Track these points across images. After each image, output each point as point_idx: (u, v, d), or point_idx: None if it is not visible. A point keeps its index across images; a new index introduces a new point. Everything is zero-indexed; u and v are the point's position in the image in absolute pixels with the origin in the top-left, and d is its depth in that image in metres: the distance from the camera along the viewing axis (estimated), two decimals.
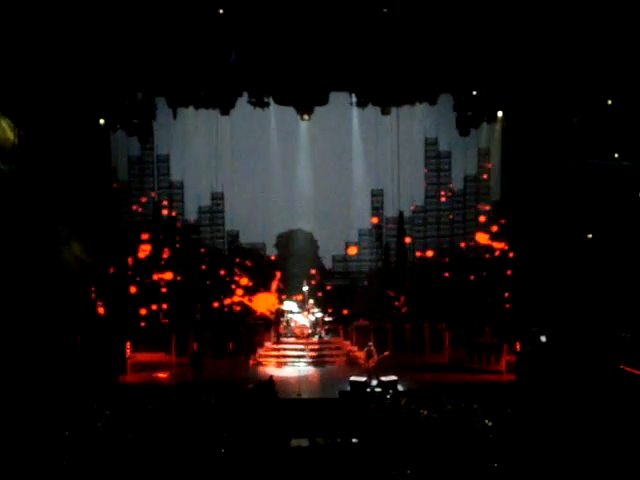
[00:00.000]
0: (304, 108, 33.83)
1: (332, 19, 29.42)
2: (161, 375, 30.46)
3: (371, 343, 29.98)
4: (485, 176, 35.29)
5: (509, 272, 34.20)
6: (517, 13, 28.95)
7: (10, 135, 31.18)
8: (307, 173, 35.84)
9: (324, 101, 33.17)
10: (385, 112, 34.38)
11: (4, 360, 28.09)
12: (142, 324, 34.05)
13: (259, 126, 34.93)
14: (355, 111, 34.84)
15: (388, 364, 29.09)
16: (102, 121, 33.03)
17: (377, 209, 36.11)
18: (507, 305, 33.72)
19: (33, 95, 30.63)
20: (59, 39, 29.22)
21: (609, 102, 31.07)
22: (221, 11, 29.64)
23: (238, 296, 35.27)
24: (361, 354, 31.53)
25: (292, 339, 33.74)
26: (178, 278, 34.86)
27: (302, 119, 34.37)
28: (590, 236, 33.29)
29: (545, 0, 28.52)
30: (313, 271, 35.77)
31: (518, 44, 29.76)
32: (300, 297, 34.63)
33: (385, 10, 29.57)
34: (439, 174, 35.68)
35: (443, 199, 35.66)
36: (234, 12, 29.63)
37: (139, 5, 28.95)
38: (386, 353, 29.26)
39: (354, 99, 34.17)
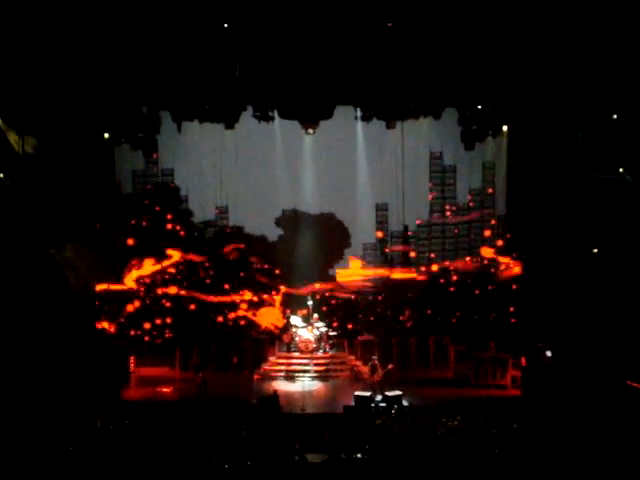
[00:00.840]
0: (309, 122, 33.90)
1: (337, 33, 29.50)
2: (165, 390, 30.36)
3: (375, 357, 29.84)
4: (490, 190, 35.20)
5: (514, 287, 34.11)
6: (522, 28, 29.03)
7: (15, 147, 31.35)
8: (311, 187, 35.79)
9: (329, 115, 33.21)
10: (390, 126, 34.40)
11: (8, 374, 28.13)
12: (146, 339, 33.84)
13: (264, 140, 34.87)
14: (360, 125, 34.78)
15: (393, 378, 28.97)
16: (107, 135, 33.12)
17: (382, 223, 35.97)
18: (512, 320, 33.62)
19: (39, 109, 30.80)
20: (65, 54, 29.34)
21: (614, 116, 31.09)
22: (226, 25, 29.72)
23: (242, 310, 35.11)
24: (365, 369, 31.46)
25: (296, 354, 33.64)
26: (182, 292, 34.71)
27: (307, 133, 34.44)
28: (595, 250, 33.26)
29: (550, 15, 28.53)
30: (317, 285, 35.61)
31: (523, 58, 29.82)
32: (304, 311, 34.49)
33: (390, 25, 29.65)
34: (444, 188, 35.56)
35: (448, 213, 35.54)
36: (239, 26, 29.73)
37: (145, 20, 29.05)
38: (390, 366, 29.14)
39: (359, 113, 34.19)
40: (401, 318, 34.97)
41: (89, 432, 22.49)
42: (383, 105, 33.11)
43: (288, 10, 29.14)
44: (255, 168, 35.33)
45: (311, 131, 34.37)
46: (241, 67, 30.75)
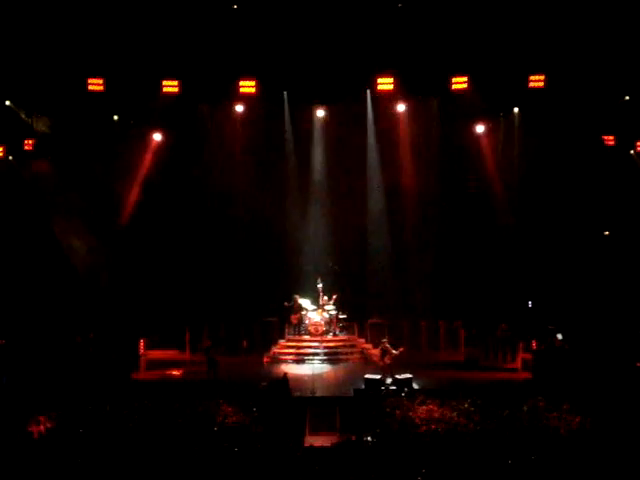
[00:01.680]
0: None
1: (347, 15, 29.42)
2: (175, 372, 30.34)
3: (385, 340, 29.69)
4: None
5: None
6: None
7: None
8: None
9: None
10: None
11: (18, 358, 28.19)
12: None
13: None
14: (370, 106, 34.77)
15: (403, 361, 28.90)
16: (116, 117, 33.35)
17: None
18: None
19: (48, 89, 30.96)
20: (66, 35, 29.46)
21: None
22: (235, 6, 29.75)
23: None
24: (376, 352, 31.40)
25: (306, 337, 33.59)
26: None
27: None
28: (607, 233, 33.20)
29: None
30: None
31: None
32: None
33: (400, 5, 29.57)
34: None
35: None
36: (249, 8, 29.77)
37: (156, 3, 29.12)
38: (400, 349, 29.06)
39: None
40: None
41: (99, 415, 22.53)
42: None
43: None
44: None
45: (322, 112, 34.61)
46: (249, 49, 30.69)
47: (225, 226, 35.68)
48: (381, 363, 28.62)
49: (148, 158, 34.85)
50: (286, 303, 34.26)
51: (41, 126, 32.51)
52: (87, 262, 33.68)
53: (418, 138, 34.91)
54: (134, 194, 34.82)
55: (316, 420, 24.41)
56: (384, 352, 28.64)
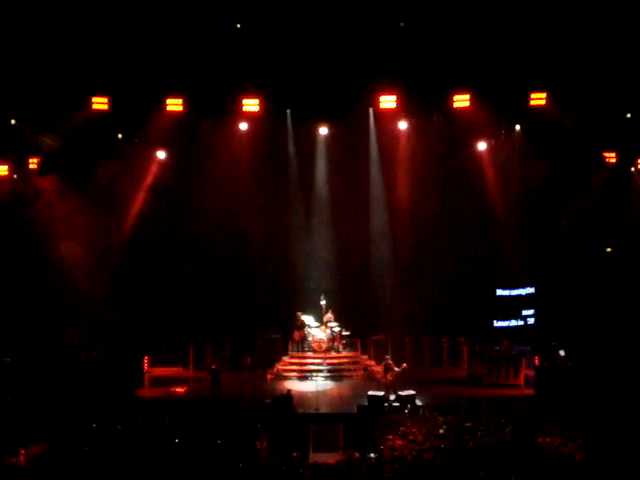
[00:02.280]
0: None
1: (350, 33, 29.59)
2: (179, 390, 30.40)
3: (388, 356, 29.79)
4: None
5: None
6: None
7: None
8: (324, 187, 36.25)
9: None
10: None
11: (22, 376, 28.28)
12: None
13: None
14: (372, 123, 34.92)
15: (406, 378, 28.96)
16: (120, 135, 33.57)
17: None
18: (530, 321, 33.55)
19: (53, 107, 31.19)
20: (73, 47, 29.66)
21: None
22: (238, 26, 29.90)
23: None
24: (379, 368, 31.49)
25: (310, 353, 33.66)
26: None
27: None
28: (609, 250, 33.28)
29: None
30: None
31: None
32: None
33: (402, 24, 29.75)
34: None
35: None
36: (251, 26, 29.93)
37: (157, 20, 29.28)
38: (404, 366, 29.12)
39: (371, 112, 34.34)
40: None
41: (103, 433, 22.58)
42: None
43: (299, 9, 29.30)
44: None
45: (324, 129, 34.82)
46: (253, 67, 30.85)
47: (228, 243, 35.70)
48: (384, 380, 28.70)
49: (152, 175, 34.95)
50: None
51: (46, 144, 32.61)
52: (90, 279, 33.68)
53: (420, 155, 34.90)
54: (138, 210, 34.85)
55: (320, 437, 24.48)
56: (387, 369, 28.73)
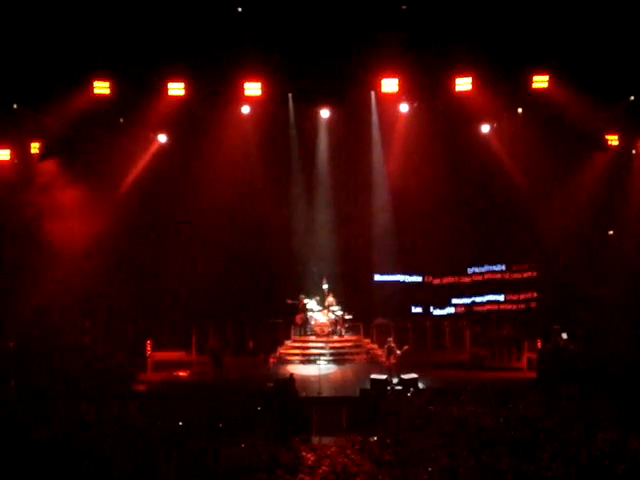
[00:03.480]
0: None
1: (353, 16, 29.53)
2: (182, 373, 30.48)
3: (391, 339, 29.82)
4: None
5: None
6: None
7: None
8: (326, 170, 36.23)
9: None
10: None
11: (26, 359, 28.37)
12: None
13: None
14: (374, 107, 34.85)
15: (408, 361, 28.99)
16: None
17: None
18: (532, 304, 33.57)
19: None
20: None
21: None
22: (240, 9, 29.86)
23: None
24: (381, 352, 31.57)
25: (312, 337, 33.70)
26: None
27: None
28: (611, 233, 33.27)
29: None
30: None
31: None
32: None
33: (404, 7, 29.67)
34: None
35: None
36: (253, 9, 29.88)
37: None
38: (406, 347, 29.16)
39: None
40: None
41: (106, 416, 22.62)
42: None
43: None
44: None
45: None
46: (255, 51, 30.76)
47: (230, 227, 35.66)
48: (387, 363, 28.74)
49: (153, 159, 34.93)
50: (289, 300, 34.31)
51: (48, 129, 32.59)
52: (93, 262, 33.64)
53: (422, 138, 34.77)
54: (139, 193, 34.80)
55: (322, 420, 24.52)
56: (389, 351, 28.77)
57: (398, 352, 28.74)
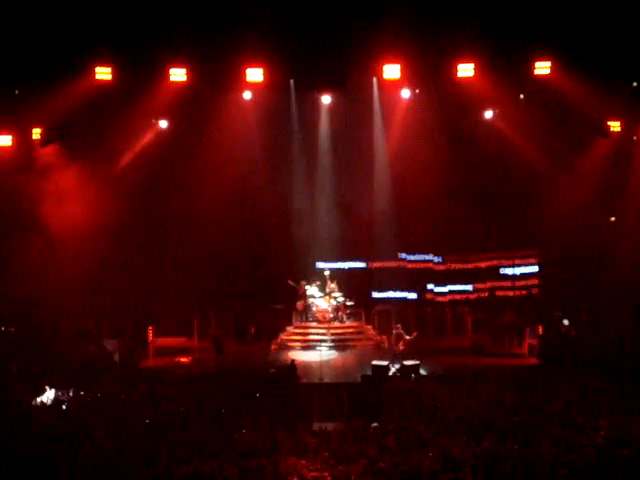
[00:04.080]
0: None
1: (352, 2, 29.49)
2: (183, 360, 30.53)
3: (399, 325, 29.80)
4: None
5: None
6: None
7: None
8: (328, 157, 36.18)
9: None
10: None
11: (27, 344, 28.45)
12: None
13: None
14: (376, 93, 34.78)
15: (413, 348, 29.04)
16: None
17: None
18: (534, 290, 33.62)
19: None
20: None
21: None
22: None
23: None
24: (382, 338, 31.67)
25: (314, 324, 33.73)
26: None
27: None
28: (613, 219, 33.24)
29: None
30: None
31: None
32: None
33: None
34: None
35: None
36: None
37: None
38: (414, 334, 29.21)
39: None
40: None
41: (107, 401, 22.68)
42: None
43: None
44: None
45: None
46: (256, 36, 30.68)
47: (232, 213, 35.63)
48: (395, 349, 28.74)
49: (154, 144, 34.90)
50: (290, 282, 34.32)
51: (49, 115, 32.53)
52: (94, 246, 33.61)
53: (424, 124, 34.68)
54: (141, 177, 34.75)
55: (324, 406, 24.55)
56: (398, 337, 28.76)
57: (407, 338, 28.77)
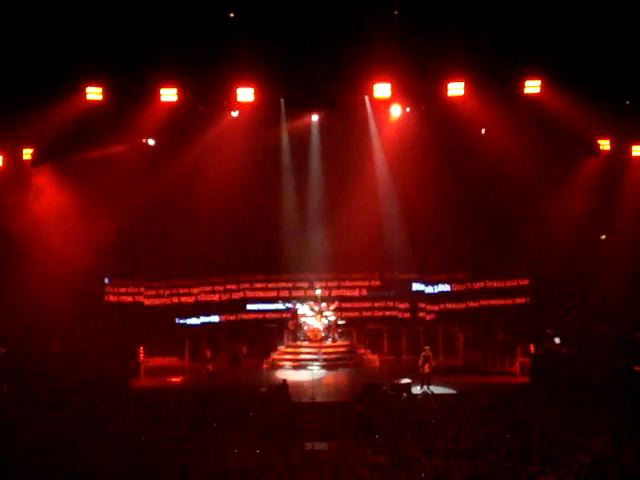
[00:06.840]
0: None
1: (345, 21, 29.56)
2: (174, 380, 30.47)
3: (428, 347, 29.54)
4: None
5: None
6: None
7: None
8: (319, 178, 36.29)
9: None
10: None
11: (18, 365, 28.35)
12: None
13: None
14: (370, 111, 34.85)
15: (401, 366, 29.02)
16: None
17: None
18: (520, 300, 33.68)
19: None
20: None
21: None
22: (232, 15, 29.87)
23: None
24: (374, 357, 31.76)
25: (305, 343, 33.69)
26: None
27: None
28: (604, 237, 33.32)
29: None
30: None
31: None
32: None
33: (396, 13, 29.68)
34: None
35: None
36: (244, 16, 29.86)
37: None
38: (441, 358, 29.28)
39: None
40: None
41: (99, 422, 22.60)
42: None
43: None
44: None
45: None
46: (246, 57, 30.73)
47: (223, 232, 35.61)
48: (421, 370, 28.57)
49: (148, 164, 34.84)
50: (283, 303, 34.46)
51: (40, 135, 32.53)
52: (86, 268, 33.59)
53: (414, 144, 34.73)
54: (132, 198, 34.72)
55: (315, 426, 24.46)
56: (426, 359, 28.59)
57: (432, 362, 28.65)
